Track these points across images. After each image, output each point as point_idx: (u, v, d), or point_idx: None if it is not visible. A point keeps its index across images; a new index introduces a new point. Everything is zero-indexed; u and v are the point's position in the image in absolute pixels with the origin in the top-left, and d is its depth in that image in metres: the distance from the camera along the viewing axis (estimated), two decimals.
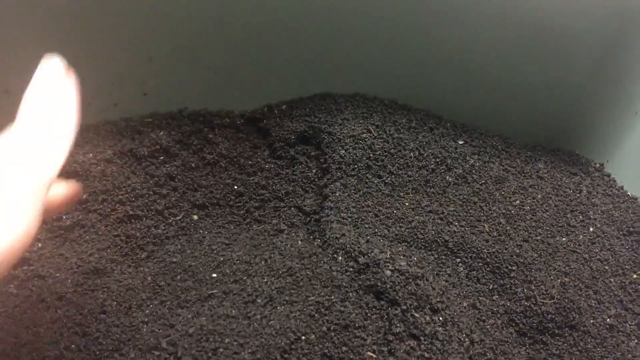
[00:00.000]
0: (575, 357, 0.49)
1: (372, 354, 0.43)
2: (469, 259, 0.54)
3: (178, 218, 0.58)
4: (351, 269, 0.50)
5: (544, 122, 0.72)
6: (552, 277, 0.53)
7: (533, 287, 0.52)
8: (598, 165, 0.70)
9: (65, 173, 0.55)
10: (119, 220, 0.56)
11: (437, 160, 0.62)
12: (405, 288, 0.48)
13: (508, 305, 0.51)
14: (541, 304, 0.51)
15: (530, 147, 0.71)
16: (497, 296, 0.52)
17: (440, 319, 0.46)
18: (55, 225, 0.53)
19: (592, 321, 0.51)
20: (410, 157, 0.62)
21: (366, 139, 0.62)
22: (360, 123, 0.64)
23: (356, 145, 0.61)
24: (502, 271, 0.53)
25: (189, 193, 0.60)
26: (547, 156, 0.69)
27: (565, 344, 0.50)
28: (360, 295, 0.48)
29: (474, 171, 0.62)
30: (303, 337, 0.43)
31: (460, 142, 0.65)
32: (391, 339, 0.44)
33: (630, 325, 0.52)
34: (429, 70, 0.68)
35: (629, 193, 0.65)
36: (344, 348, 0.43)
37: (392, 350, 0.44)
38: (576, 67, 0.69)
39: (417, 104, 0.70)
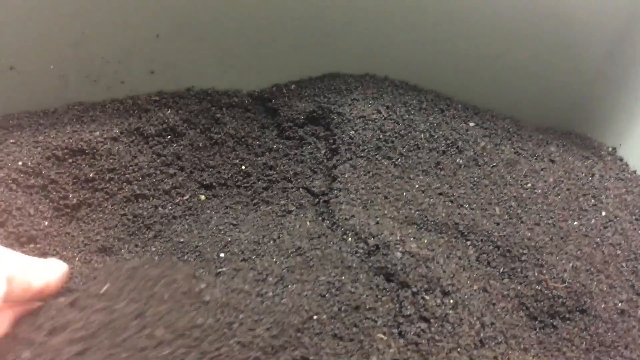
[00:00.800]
0: (586, 341, 0.48)
1: (382, 336, 0.43)
2: (480, 242, 0.53)
3: (185, 198, 0.58)
4: (361, 251, 0.49)
5: (556, 104, 0.71)
6: (563, 261, 0.52)
7: (544, 271, 0.51)
8: (610, 149, 0.69)
9: (72, 151, 0.54)
10: (126, 200, 0.55)
11: (448, 142, 0.61)
12: (415, 270, 0.47)
13: (519, 289, 0.50)
14: (552, 287, 0.50)
15: (542, 130, 0.70)
16: (507, 280, 0.51)
17: (451, 301, 0.45)
18: (61, 203, 0.53)
19: (603, 306, 0.50)
20: (421, 138, 0.61)
21: (376, 120, 0.61)
22: (370, 104, 0.63)
23: (366, 126, 0.60)
24: (512, 255, 0.52)
25: (196, 173, 0.59)
26: (559, 139, 0.68)
27: (576, 328, 0.49)
28: (371, 277, 0.47)
29: (485, 154, 0.61)
30: (315, 317, 0.43)
31: (472, 124, 0.64)
32: (401, 321, 0.44)
33: None
34: (441, 52, 0.67)
35: None
36: (354, 329, 0.43)
37: (403, 333, 0.43)
38: (589, 49, 0.67)
39: (428, 85, 0.69)
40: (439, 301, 0.45)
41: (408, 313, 0.44)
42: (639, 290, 0.52)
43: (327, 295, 0.45)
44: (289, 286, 0.45)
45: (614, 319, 0.50)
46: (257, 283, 0.45)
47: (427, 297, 0.45)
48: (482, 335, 0.45)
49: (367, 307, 0.44)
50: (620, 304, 0.51)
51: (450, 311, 0.45)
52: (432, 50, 0.67)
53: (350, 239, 0.51)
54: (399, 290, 0.46)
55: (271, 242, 0.51)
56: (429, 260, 0.48)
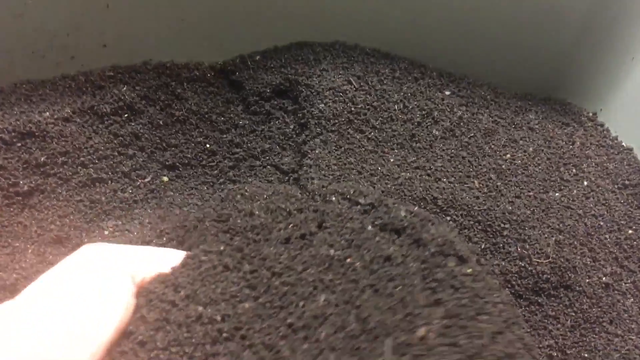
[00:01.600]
0: (571, 318, 0.47)
1: (423, 299, 0.32)
2: (460, 217, 0.51)
3: (147, 180, 0.55)
4: (355, 208, 0.39)
5: (535, 69, 0.69)
6: (546, 235, 0.50)
7: (527, 246, 0.49)
8: (591, 114, 0.67)
9: (20, 134, 0.51)
10: (81, 184, 0.52)
11: (423, 112, 0.59)
12: (423, 229, 0.37)
13: (503, 265, 0.48)
14: (536, 263, 0.48)
15: (520, 97, 0.67)
16: (490, 256, 0.49)
17: (469, 271, 0.37)
18: (11, 191, 0.50)
19: (587, 280, 0.49)
20: (395, 110, 0.58)
21: (347, 92, 0.58)
22: (340, 74, 0.60)
23: (336, 98, 0.57)
24: (494, 229, 0.50)
25: (158, 153, 0.56)
26: (538, 106, 0.66)
27: (561, 305, 0.47)
28: (378, 231, 0.36)
29: (462, 124, 0.59)
30: (348, 260, 0.33)
31: (447, 93, 0.62)
32: (434, 285, 0.33)
33: (625, 283, 0.50)
34: (414, 16, 0.64)
35: (623, 144, 0.63)
36: (390, 283, 0.33)
37: (440, 300, 0.32)
38: (569, 12, 0.65)
39: (401, 52, 0.66)
40: (458, 269, 0.37)
41: (439, 277, 0.34)
42: (622, 263, 0.51)
43: (342, 242, 0.35)
44: (292, 214, 0.36)
45: (599, 294, 0.48)
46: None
47: (449, 264, 0.34)
48: None
49: (398, 261, 0.34)
50: (604, 278, 0.49)
51: (475, 284, 0.37)
52: (405, 16, 0.64)
53: (334, 198, 0.40)
54: (416, 250, 0.35)
55: (239, 196, 0.43)
56: (430, 221, 0.41)
